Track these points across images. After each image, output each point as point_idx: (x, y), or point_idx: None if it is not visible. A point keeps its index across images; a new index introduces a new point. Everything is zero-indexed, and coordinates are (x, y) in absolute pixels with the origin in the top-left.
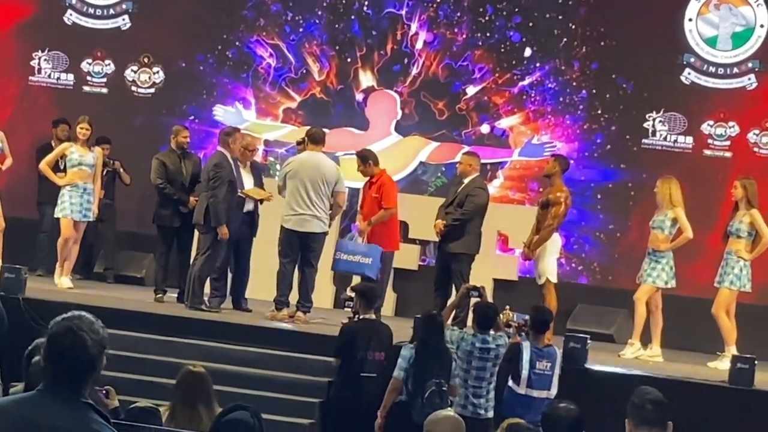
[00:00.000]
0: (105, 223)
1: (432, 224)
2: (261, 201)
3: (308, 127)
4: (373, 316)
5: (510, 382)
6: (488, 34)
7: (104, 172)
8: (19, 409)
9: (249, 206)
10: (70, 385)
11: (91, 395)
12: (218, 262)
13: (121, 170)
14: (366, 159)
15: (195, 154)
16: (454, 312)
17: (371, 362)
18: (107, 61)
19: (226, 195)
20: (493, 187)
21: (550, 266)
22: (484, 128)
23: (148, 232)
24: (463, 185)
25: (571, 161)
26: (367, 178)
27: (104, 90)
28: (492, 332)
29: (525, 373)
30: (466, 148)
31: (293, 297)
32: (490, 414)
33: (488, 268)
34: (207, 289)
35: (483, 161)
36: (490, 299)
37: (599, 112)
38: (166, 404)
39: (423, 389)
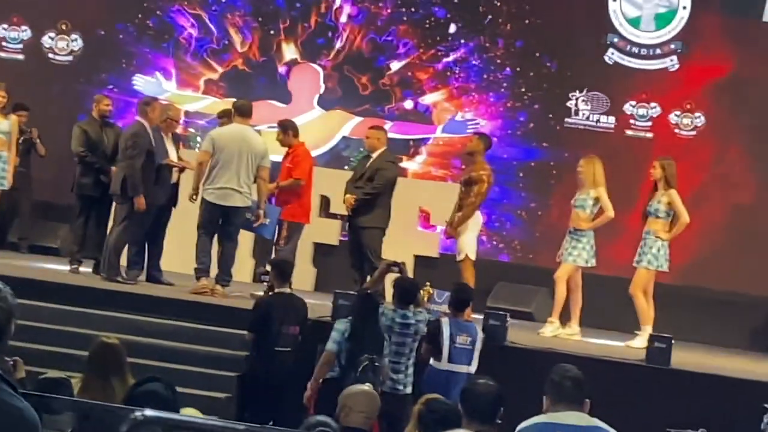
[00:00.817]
0: (20, 192)
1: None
2: (182, 171)
3: (230, 99)
4: (288, 290)
5: (431, 361)
6: (413, 9)
7: (20, 140)
8: None
9: (175, 177)
10: None
11: None
12: (135, 233)
13: (38, 141)
14: (286, 128)
15: (117, 124)
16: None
17: (285, 336)
18: (24, 27)
19: (144, 165)
20: (416, 164)
21: (469, 243)
22: (408, 104)
23: (63, 201)
24: (372, 159)
25: (494, 139)
26: (285, 149)
27: (20, 56)
28: (412, 308)
29: (446, 348)
30: (389, 124)
31: (213, 272)
32: (409, 390)
33: (410, 245)
34: (124, 260)
35: (406, 137)
36: (411, 275)
37: (523, 90)
38: (79, 376)
39: (356, 365)
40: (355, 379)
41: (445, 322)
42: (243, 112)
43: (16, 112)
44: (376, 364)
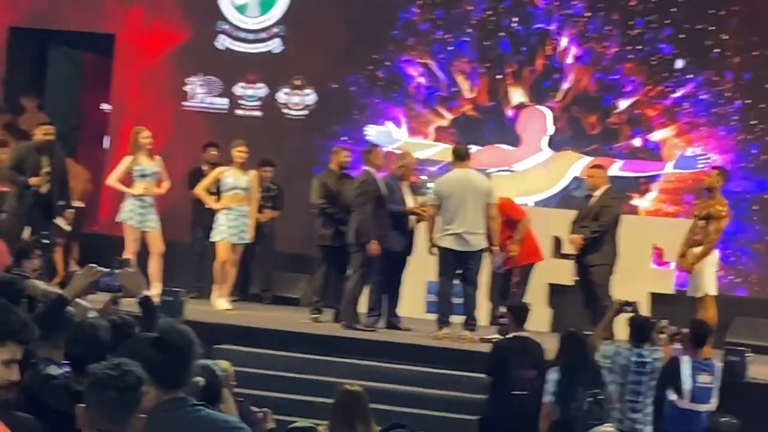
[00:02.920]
0: (261, 245)
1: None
2: (419, 219)
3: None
4: (525, 334)
5: (672, 397)
6: (639, 47)
7: (263, 195)
8: None
9: (412, 224)
10: (181, 390)
11: (248, 417)
12: (372, 280)
13: (269, 220)
14: None
15: (353, 175)
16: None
17: (522, 380)
18: (260, 85)
19: (374, 211)
20: (647, 201)
21: (709, 279)
22: (637, 141)
23: (304, 252)
24: (595, 197)
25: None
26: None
27: (257, 113)
28: (648, 346)
29: (688, 387)
30: (619, 162)
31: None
32: (649, 429)
33: (644, 282)
34: (363, 308)
35: (636, 175)
36: (645, 313)
37: (754, 122)
38: (324, 423)
39: (580, 403)
40: (584, 419)
41: (684, 360)
42: (460, 156)
43: (261, 168)
44: (600, 397)
